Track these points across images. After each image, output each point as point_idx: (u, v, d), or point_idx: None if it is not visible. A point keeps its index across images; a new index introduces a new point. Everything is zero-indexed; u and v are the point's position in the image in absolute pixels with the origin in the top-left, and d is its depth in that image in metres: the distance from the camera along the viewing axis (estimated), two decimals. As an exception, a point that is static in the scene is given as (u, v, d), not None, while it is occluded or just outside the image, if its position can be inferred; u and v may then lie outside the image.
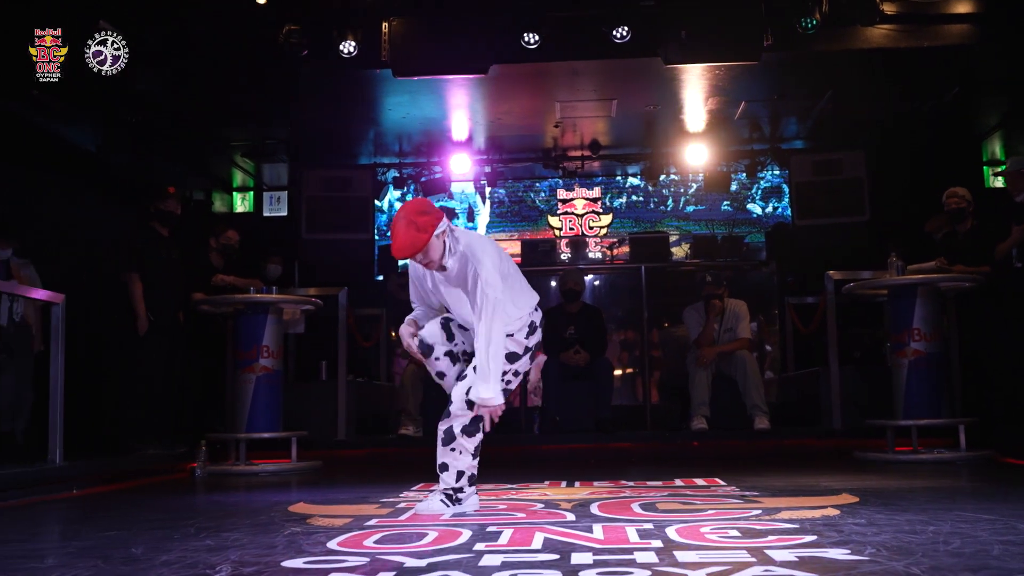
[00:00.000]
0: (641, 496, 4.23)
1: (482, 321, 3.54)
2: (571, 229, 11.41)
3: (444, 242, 3.60)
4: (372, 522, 3.49)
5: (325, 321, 8.07)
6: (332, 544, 2.91)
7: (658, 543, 2.80)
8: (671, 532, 3.02)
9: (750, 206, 11.57)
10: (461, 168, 11.01)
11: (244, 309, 6.89)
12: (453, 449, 3.75)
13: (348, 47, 7.67)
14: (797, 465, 6.17)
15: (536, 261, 10.35)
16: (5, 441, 6.53)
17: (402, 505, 4.08)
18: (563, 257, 11.00)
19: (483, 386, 3.56)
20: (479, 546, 2.82)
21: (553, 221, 11.47)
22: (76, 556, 2.82)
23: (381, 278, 10.82)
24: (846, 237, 10.04)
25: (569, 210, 11.47)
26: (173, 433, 7.08)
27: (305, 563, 2.57)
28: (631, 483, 4.90)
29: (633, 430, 8.37)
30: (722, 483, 4.82)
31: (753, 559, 2.47)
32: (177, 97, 8.22)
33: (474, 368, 3.63)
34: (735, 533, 2.98)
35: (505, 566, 2.46)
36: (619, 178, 11.66)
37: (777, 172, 11.34)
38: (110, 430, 7.15)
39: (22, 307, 6.75)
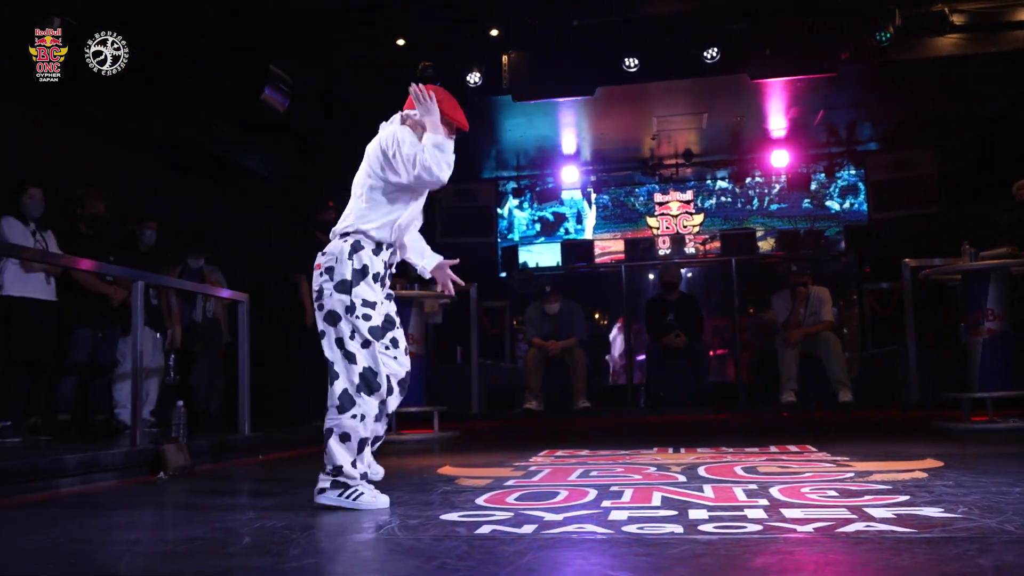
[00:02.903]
0: (742, 460, 4.14)
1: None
2: (667, 228, 11.25)
3: None
4: (510, 482, 3.50)
5: (459, 312, 8.19)
6: (479, 501, 2.94)
7: (764, 501, 2.73)
8: (774, 492, 2.94)
9: (829, 203, 11.17)
10: (570, 178, 11.05)
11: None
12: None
13: (474, 78, 7.77)
14: (880, 434, 5.93)
15: (638, 256, 10.28)
16: (202, 417, 6.84)
17: (533, 468, 4.08)
18: (661, 252, 10.87)
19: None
20: (605, 503, 2.80)
21: (651, 221, 11.32)
22: (271, 509, 2.91)
23: (504, 275, 10.90)
24: (920, 229, 9.62)
25: (665, 211, 11.30)
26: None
27: (459, 516, 2.61)
28: (731, 449, 4.80)
29: (728, 403, 8.22)
30: (813, 449, 4.67)
31: (854, 516, 2.39)
32: (330, 127, 8.46)
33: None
34: (833, 493, 2.88)
35: (631, 520, 2.44)
36: (709, 182, 11.42)
37: (853, 172, 10.92)
38: (286, 406, 7.41)
39: (213, 305, 7.07)
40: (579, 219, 11.68)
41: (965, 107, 8.91)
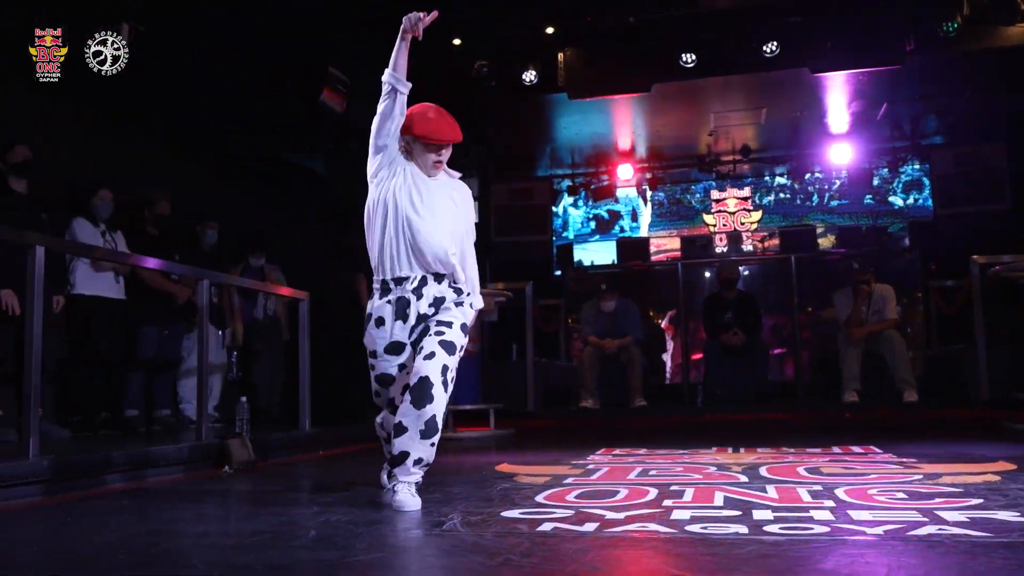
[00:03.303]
0: (804, 461, 4.06)
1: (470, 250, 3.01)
2: (724, 225, 11.11)
3: None
4: (569, 480, 3.50)
5: (513, 311, 8.19)
6: (539, 498, 2.94)
7: (830, 503, 2.68)
8: (840, 493, 2.88)
9: (892, 199, 10.90)
10: (625, 175, 10.99)
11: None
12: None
13: (530, 76, 7.77)
14: (948, 434, 5.76)
15: (694, 254, 10.17)
16: (263, 413, 6.96)
17: (591, 466, 4.07)
18: (718, 250, 10.74)
19: (477, 298, 3.02)
20: (667, 502, 2.78)
21: (708, 219, 11.19)
22: (334, 504, 2.95)
23: (559, 273, 10.88)
24: (987, 225, 9.32)
25: (722, 208, 11.16)
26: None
27: (520, 513, 2.61)
28: (792, 450, 4.71)
29: (787, 402, 8.08)
30: (878, 450, 4.56)
31: (926, 519, 2.32)
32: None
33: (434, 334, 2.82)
34: (902, 496, 2.81)
35: (694, 519, 2.41)
36: (767, 178, 11.24)
37: (917, 166, 10.64)
38: (345, 403, 7.50)
39: (274, 304, 7.19)
40: (634, 217, 11.59)
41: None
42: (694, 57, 7.46)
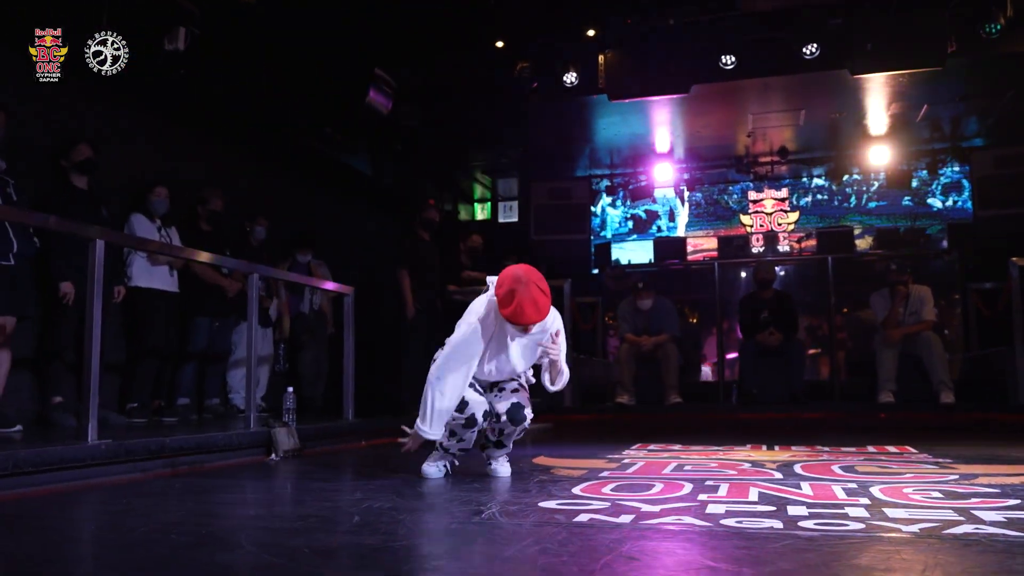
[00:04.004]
0: (839, 459, 4.01)
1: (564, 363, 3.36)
2: (761, 226, 10.98)
3: None
4: (605, 474, 3.49)
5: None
6: (576, 490, 2.94)
7: (865, 500, 2.64)
8: (875, 491, 2.84)
9: (931, 200, 10.69)
10: (663, 176, 10.92)
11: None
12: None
13: (570, 78, 7.75)
14: (985, 437, 5.64)
15: (731, 254, 10.07)
16: (308, 403, 7.06)
17: (626, 461, 4.06)
18: (755, 251, 10.62)
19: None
20: (702, 496, 2.77)
21: (744, 219, 11.08)
22: (376, 491, 2.98)
23: (596, 271, 10.85)
24: (1028, 227, 9.11)
25: (759, 209, 11.04)
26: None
27: (557, 504, 2.61)
28: (827, 448, 4.66)
29: (823, 402, 7.97)
30: (913, 451, 4.48)
31: (962, 518, 2.28)
32: (431, 128, 8.58)
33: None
34: (937, 495, 2.77)
35: (729, 514, 2.40)
36: (805, 179, 11.09)
37: (957, 168, 10.42)
38: (387, 395, 7.57)
39: (320, 298, 7.28)
40: (671, 217, 11.51)
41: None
42: (734, 59, 7.39)
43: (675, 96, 8.00)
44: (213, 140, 6.90)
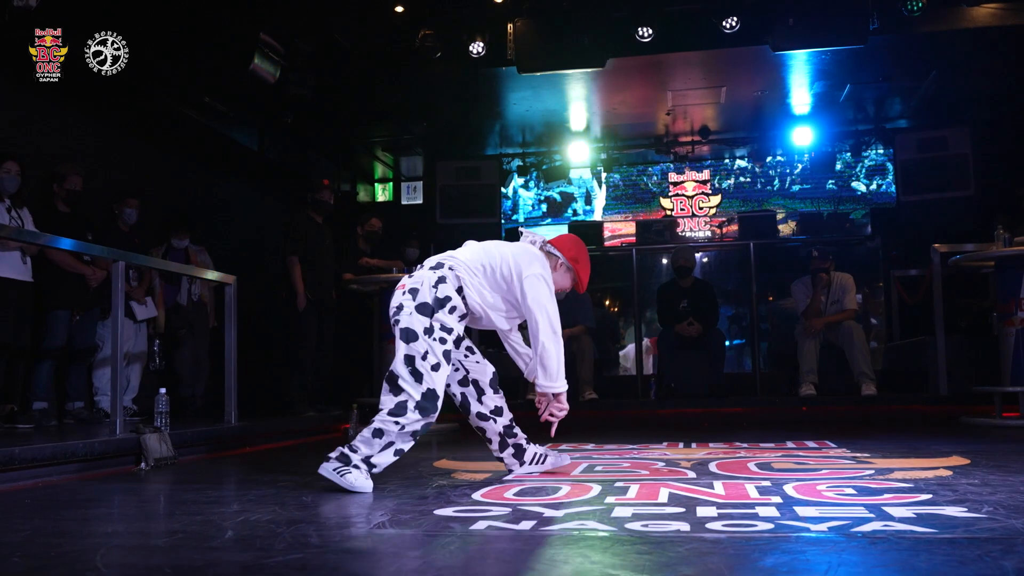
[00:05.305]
0: (756, 456, 4.14)
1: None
2: (682, 210, 11.22)
3: None
4: (509, 477, 3.53)
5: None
6: (476, 496, 2.95)
7: (777, 499, 2.74)
8: (789, 489, 2.95)
9: (854, 184, 11.12)
10: (579, 156, 11.04)
11: (387, 288, 7.04)
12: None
13: (477, 48, 7.73)
14: (905, 429, 5.93)
15: (649, 240, 10.24)
16: (187, 404, 6.88)
17: (535, 462, 4.08)
18: (683, 234, 10.83)
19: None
20: (609, 499, 2.82)
21: (665, 203, 11.29)
22: (256, 502, 2.93)
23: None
24: (951, 212, 9.58)
25: (680, 192, 11.27)
26: (328, 398, 7.32)
27: (454, 511, 2.62)
28: (745, 445, 4.81)
29: (744, 396, 8.21)
30: (832, 445, 4.68)
31: (872, 515, 2.39)
32: (325, 99, 8.42)
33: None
34: (851, 491, 2.89)
35: (636, 517, 2.45)
36: (727, 161, 11.37)
37: (881, 151, 10.87)
38: (275, 395, 7.44)
39: (199, 288, 7.08)
40: (588, 200, 11.65)
41: (1001, 83, 8.85)
42: (651, 31, 7.50)
43: (590, 70, 8.07)
44: (74, 109, 6.60)
